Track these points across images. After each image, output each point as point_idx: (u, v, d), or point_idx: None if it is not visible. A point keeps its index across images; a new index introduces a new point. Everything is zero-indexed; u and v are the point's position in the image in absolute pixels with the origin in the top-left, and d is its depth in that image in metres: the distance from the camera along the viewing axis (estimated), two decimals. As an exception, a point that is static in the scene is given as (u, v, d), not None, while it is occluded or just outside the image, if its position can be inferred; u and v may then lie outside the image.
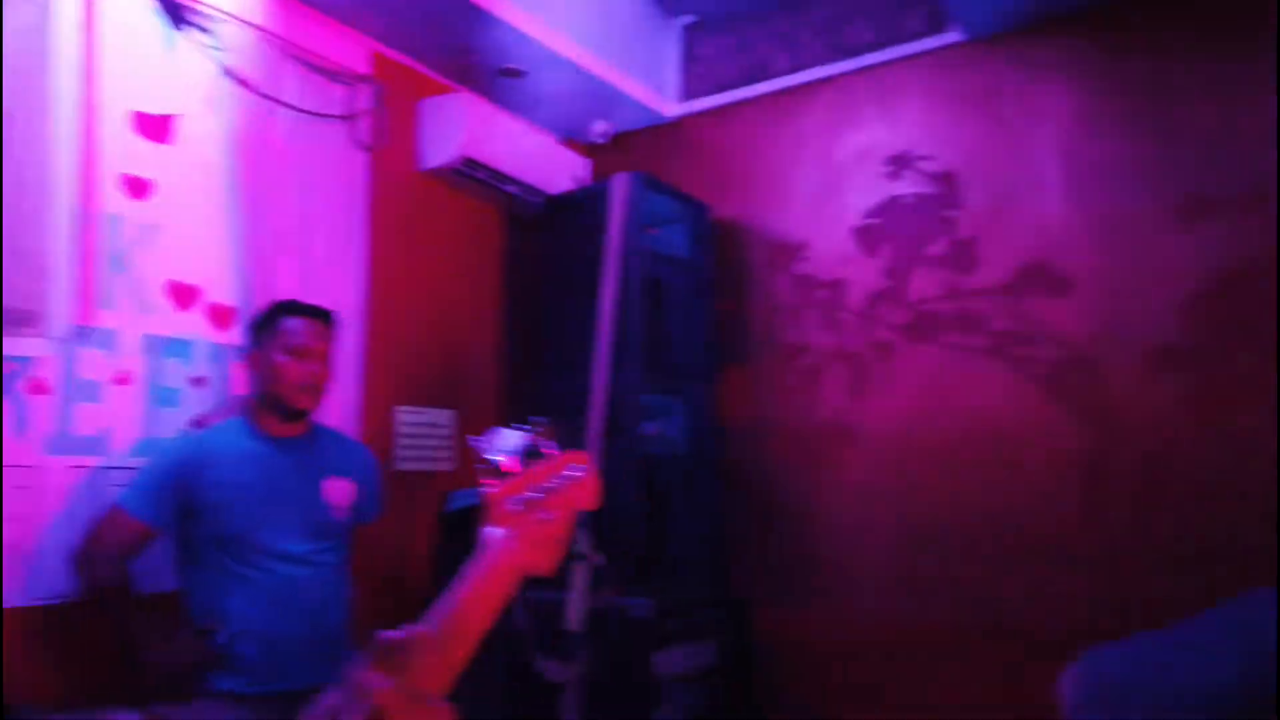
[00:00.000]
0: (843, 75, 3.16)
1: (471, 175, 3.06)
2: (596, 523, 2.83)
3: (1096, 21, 2.74)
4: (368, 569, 2.42)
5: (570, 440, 0.95)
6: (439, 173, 3.03)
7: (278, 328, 2.04)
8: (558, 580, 2.86)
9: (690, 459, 3.21)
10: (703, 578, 3.12)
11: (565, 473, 0.93)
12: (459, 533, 2.94)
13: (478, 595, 0.83)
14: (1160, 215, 2.60)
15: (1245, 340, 2.46)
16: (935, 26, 2.98)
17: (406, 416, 2.98)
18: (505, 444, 0.90)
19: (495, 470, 0.90)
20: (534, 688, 2.87)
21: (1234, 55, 2.54)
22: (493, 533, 0.85)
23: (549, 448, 0.93)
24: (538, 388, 3.17)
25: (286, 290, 2.48)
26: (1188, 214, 2.56)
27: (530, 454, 0.91)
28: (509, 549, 0.85)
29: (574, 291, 3.06)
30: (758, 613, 3.12)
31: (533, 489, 0.90)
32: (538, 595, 3.00)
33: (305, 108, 2.60)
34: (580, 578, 2.79)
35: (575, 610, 2.79)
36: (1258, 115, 2.49)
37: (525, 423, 0.95)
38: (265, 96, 2.50)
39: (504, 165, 3.11)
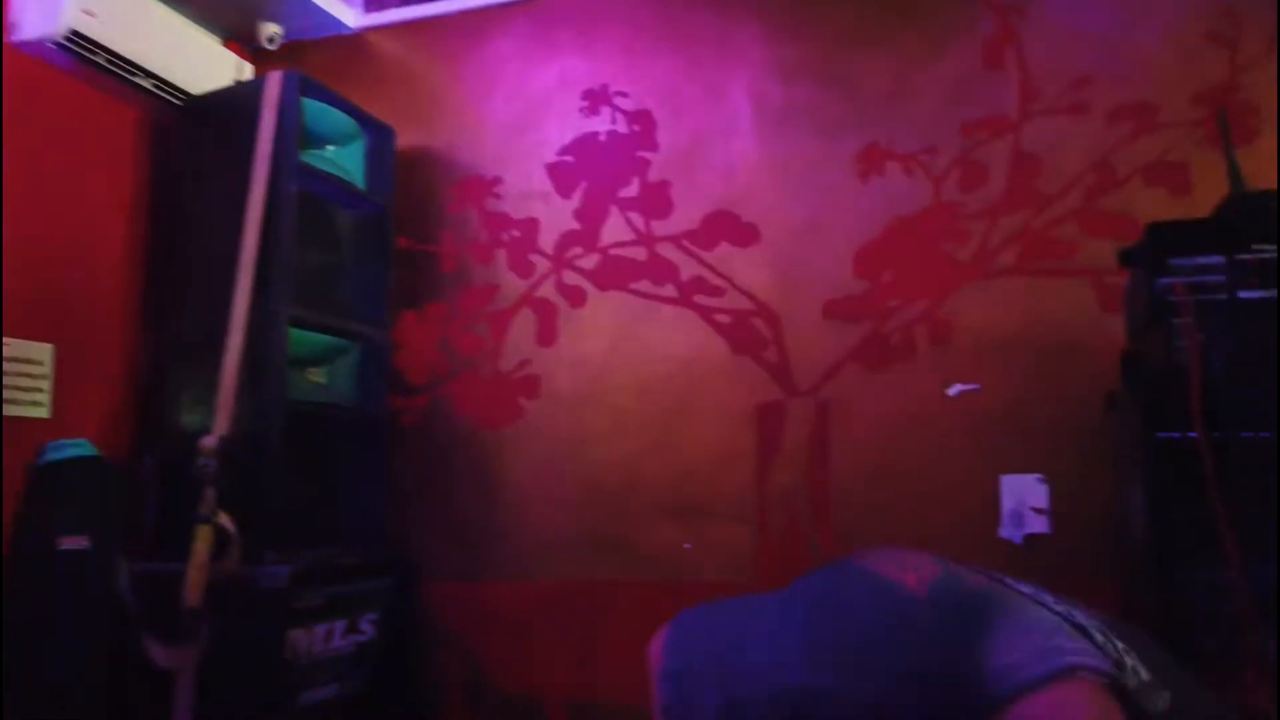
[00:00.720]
0: (541, -2, 2.93)
1: (87, 58, 2.50)
2: (225, 480, 2.41)
3: (790, -35, 2.70)
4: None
5: None
6: (37, 48, 2.44)
7: None
8: (174, 548, 2.42)
9: (359, 410, 2.84)
10: (368, 545, 2.76)
11: None
12: (51, 489, 2.40)
13: None
14: (840, 166, 2.59)
15: (907, 293, 2.50)
16: (636, -45, 2.82)
17: (-18, 349, 2.38)
18: None
19: None
20: (143, 675, 2.40)
21: (910, 12, 2.57)
22: None
23: None
24: (181, 322, 2.68)
25: None
26: (864, 166, 2.57)
27: None
28: None
29: (220, 212, 2.60)
30: (428, 582, 2.82)
31: None
32: (147, 565, 2.53)
33: None
34: (201, 544, 2.35)
35: (193, 582, 2.35)
36: (929, 73, 2.54)
37: None
38: None
39: (133, 52, 2.57)
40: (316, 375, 2.84)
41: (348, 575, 2.60)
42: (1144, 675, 0.81)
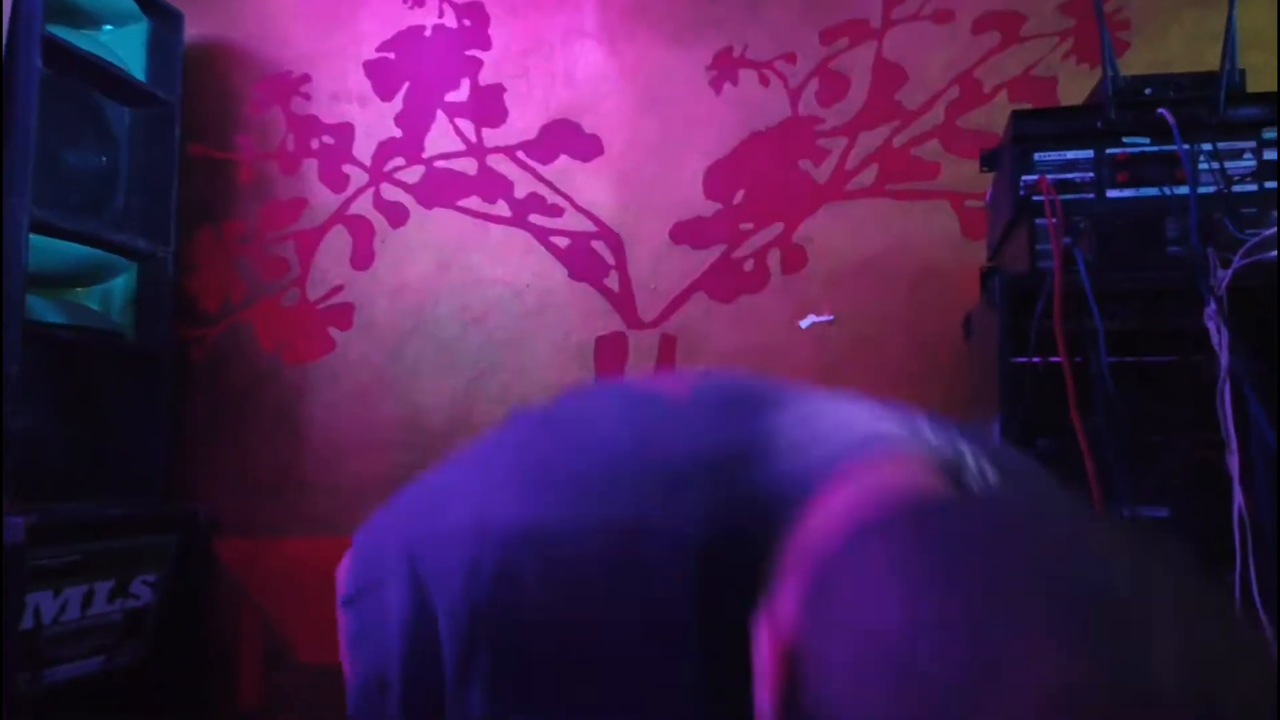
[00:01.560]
0: None
1: None
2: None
3: None
4: None
5: None
6: None
7: None
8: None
9: (138, 339, 2.44)
10: (145, 495, 2.38)
11: None
12: None
13: None
14: (692, 73, 2.33)
15: (761, 215, 2.28)
16: None
17: None
18: None
19: None
20: None
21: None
22: None
23: None
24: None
25: None
26: (718, 73, 2.32)
27: None
28: None
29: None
30: (221, 539, 2.46)
31: None
32: None
33: None
34: (-94, 491, 1.93)
35: (-103, 538, 1.93)
36: (791, -26, 2.31)
37: None
38: None
39: None
40: (82, 296, 2.42)
41: (115, 530, 2.22)
42: (991, 478, 0.56)
